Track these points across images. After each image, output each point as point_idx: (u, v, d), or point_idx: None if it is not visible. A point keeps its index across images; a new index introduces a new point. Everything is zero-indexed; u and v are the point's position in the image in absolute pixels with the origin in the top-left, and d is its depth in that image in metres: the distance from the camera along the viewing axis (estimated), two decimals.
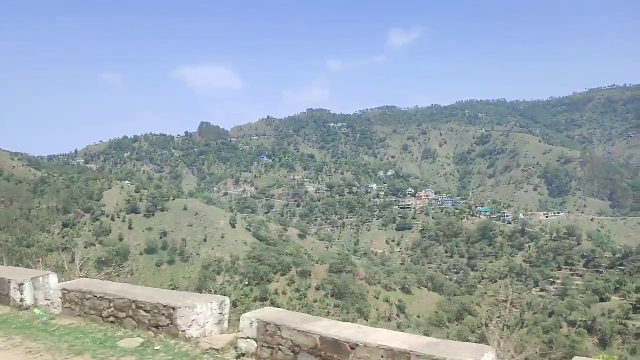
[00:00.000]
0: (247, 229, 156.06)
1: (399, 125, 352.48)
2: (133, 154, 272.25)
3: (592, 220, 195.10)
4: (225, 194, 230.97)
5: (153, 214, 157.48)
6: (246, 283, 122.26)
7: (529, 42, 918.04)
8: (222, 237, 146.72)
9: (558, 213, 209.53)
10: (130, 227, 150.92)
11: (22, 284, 10.67)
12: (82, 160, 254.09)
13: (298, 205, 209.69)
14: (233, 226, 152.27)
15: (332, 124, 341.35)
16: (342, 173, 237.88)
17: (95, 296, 9.33)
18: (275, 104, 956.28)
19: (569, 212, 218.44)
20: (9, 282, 10.78)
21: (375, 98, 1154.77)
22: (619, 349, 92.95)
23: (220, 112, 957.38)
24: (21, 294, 10.66)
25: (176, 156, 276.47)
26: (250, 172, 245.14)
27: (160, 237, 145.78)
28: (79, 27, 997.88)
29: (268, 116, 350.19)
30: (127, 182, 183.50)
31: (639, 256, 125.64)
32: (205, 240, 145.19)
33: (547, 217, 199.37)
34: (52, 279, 11.08)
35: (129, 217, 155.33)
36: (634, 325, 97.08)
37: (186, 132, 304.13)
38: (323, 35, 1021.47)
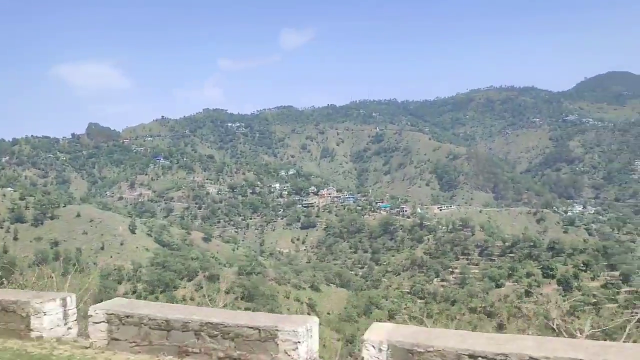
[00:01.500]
0: (148, 234, 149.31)
1: (297, 125, 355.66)
2: (13, 159, 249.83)
3: (480, 212, 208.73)
4: (120, 198, 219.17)
5: (42, 223, 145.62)
6: (151, 291, 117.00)
7: (416, 44, 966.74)
8: (122, 244, 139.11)
9: (450, 206, 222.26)
10: (15, 238, 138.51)
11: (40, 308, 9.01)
12: None
13: (200, 208, 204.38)
14: (133, 232, 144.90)
15: (230, 124, 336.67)
16: (243, 173, 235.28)
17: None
18: (169, 104, 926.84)
19: (459, 205, 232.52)
20: (25, 304, 8.96)
21: (272, 98, 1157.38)
22: (516, 330, 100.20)
23: (109, 113, 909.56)
24: (42, 322, 9.06)
25: (63, 160, 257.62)
26: (146, 174, 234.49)
27: (52, 247, 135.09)
28: None
29: (162, 116, 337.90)
30: (9, 189, 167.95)
31: (526, 244, 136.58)
32: (102, 248, 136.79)
33: (440, 210, 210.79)
34: (72, 300, 9.67)
35: (13, 227, 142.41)
36: (527, 307, 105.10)
37: (73, 134, 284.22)
38: (213, 34, 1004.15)
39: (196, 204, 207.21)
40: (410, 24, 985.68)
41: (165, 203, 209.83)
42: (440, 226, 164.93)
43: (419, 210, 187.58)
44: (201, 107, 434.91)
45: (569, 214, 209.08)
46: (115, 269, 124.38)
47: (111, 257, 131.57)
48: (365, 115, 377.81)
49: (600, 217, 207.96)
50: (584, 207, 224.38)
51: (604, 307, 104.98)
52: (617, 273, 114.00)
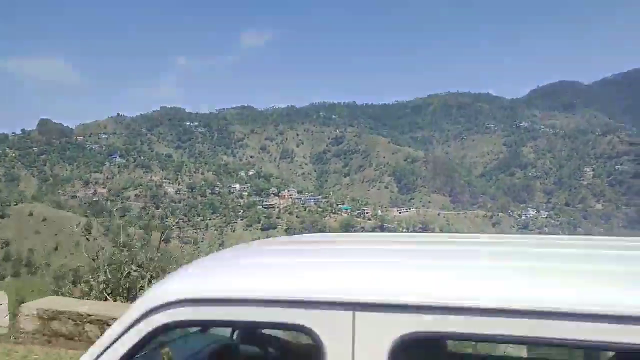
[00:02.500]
0: (104, 234, 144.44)
1: (256, 126, 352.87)
2: None
3: (438, 215, 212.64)
4: (74, 196, 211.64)
5: None
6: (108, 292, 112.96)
7: (375, 48, 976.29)
8: (77, 244, 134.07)
9: (409, 209, 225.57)
10: None
11: None
12: None
13: (157, 208, 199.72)
14: (89, 232, 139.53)
15: (188, 123, 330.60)
16: (202, 173, 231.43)
17: None
18: (124, 101, 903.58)
19: (417, 208, 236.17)
20: None
21: (231, 97, 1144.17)
22: None
23: (61, 109, 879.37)
24: None
25: (12, 157, 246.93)
26: (101, 173, 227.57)
27: (2, 247, 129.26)
28: None
29: (118, 114, 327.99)
30: None
31: None
32: (56, 248, 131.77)
33: (400, 213, 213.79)
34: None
35: None
36: None
37: (23, 130, 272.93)
38: (169, 31, 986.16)
39: (154, 203, 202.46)
40: (369, 28, 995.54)
41: (122, 202, 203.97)
42: (401, 229, 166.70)
43: (379, 212, 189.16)
44: (158, 105, 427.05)
45: (523, 217, 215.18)
46: (70, 270, 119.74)
47: (66, 257, 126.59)
48: (325, 117, 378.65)
49: (552, 221, 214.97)
50: (537, 212, 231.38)
51: None
52: None
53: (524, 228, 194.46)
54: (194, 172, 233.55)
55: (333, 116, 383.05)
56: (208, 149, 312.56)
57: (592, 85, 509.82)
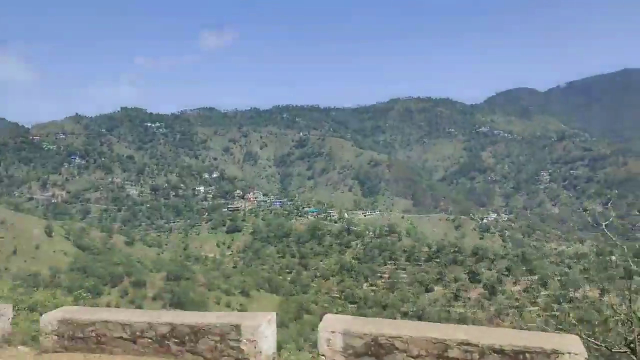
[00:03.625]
0: (66, 237, 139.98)
1: (219, 127, 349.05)
2: None
3: (402, 218, 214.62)
4: (31, 199, 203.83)
5: None
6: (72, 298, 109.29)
7: (337, 53, 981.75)
8: (37, 248, 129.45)
9: (373, 212, 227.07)
10: None
11: None
12: None
13: (119, 210, 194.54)
14: (49, 235, 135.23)
15: (149, 124, 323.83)
16: (165, 175, 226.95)
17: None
18: (82, 101, 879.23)
19: (380, 211, 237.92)
20: None
21: (193, 99, 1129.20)
22: None
23: (16, 108, 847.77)
24: None
25: None
26: (60, 174, 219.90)
27: None
28: None
29: (77, 113, 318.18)
30: None
31: (451, 250, 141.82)
32: (15, 252, 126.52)
33: (365, 215, 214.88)
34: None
35: None
36: (455, 311, 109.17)
37: None
38: (127, 31, 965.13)
39: (115, 206, 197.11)
40: (330, 33, 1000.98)
41: (82, 205, 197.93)
42: (367, 232, 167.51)
43: (346, 215, 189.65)
44: (117, 105, 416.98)
45: (485, 221, 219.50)
46: (30, 275, 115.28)
47: (25, 261, 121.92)
48: (289, 120, 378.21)
49: (513, 224, 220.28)
50: (498, 215, 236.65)
51: (526, 310, 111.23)
52: (535, 277, 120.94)
53: (486, 231, 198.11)
54: (157, 174, 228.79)
55: (297, 119, 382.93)
56: (170, 150, 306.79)
57: (547, 92, 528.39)
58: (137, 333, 7.12)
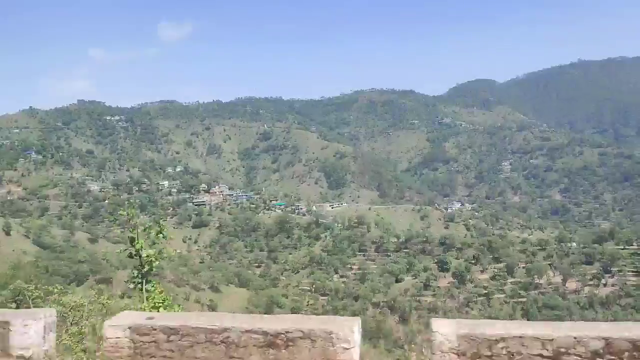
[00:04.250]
0: (25, 235, 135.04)
1: (181, 121, 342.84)
2: None
3: (370, 209, 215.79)
4: None
5: None
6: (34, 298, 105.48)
7: (301, 43, 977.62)
8: None
9: (340, 204, 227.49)
10: None
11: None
12: None
13: (80, 207, 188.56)
14: (8, 233, 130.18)
15: (108, 118, 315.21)
16: (127, 170, 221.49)
17: None
18: (36, 93, 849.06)
19: (347, 203, 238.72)
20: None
21: (154, 92, 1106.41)
22: (416, 323, 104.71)
23: None
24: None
25: None
26: (15, 170, 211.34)
27: None
28: None
29: (30, 107, 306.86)
30: None
31: (419, 240, 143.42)
32: None
33: (332, 208, 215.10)
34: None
35: None
36: (425, 300, 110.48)
37: None
38: (81, 21, 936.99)
39: (76, 202, 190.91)
40: (291, 22, 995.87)
41: (39, 201, 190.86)
42: (336, 223, 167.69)
43: (314, 208, 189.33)
44: (73, 98, 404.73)
45: (449, 210, 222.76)
46: None
47: None
48: (252, 113, 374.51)
49: (477, 213, 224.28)
50: (462, 205, 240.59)
51: (494, 297, 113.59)
52: (502, 265, 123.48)
53: (451, 221, 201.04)
54: (119, 168, 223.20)
55: (260, 111, 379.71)
56: (131, 144, 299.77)
57: (506, 83, 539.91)
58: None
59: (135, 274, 8.98)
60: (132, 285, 9.23)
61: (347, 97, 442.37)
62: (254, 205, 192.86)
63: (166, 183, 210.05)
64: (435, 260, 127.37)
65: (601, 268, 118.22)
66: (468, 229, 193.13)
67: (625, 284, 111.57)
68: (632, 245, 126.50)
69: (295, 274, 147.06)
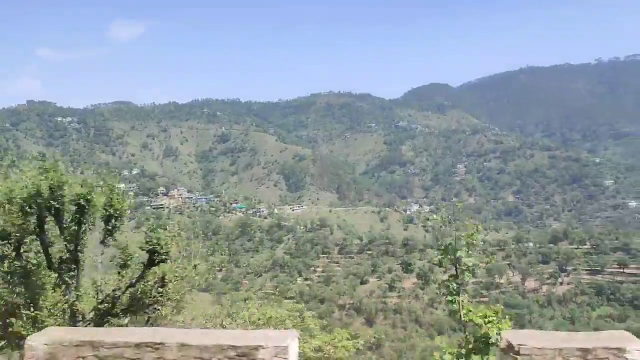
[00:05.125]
0: None
1: (137, 122, 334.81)
2: None
3: (330, 211, 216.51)
4: None
5: None
6: None
7: (257, 47, 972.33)
8: None
9: (301, 206, 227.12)
10: None
11: None
12: None
13: None
14: None
15: (59, 119, 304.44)
16: (82, 172, 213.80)
17: None
18: None
19: (306, 206, 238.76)
20: None
21: (107, 92, 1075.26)
22: (382, 324, 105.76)
23: None
24: None
25: None
26: None
27: None
28: None
29: None
30: None
31: (382, 241, 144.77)
32: None
33: (293, 210, 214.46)
34: None
35: None
36: (391, 302, 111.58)
37: None
38: (28, 20, 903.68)
39: None
40: (250, 25, 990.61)
41: None
42: (298, 226, 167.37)
43: (276, 210, 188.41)
44: (22, 99, 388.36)
45: (408, 212, 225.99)
46: None
47: None
48: (210, 114, 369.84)
49: (435, 215, 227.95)
50: (420, 207, 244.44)
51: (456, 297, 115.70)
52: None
53: (410, 223, 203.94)
54: (72, 171, 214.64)
55: (218, 113, 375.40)
56: (84, 146, 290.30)
57: (460, 88, 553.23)
58: None
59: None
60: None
61: (305, 100, 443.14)
62: (214, 208, 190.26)
63: (122, 186, 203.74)
64: (399, 262, 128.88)
65: (557, 267, 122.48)
66: (426, 231, 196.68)
67: (580, 282, 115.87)
68: (585, 244, 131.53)
69: (258, 277, 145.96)
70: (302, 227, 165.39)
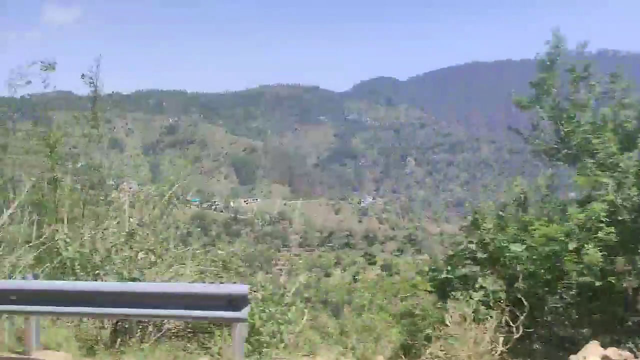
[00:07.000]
0: None
1: (77, 113, 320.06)
2: None
3: (285, 204, 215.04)
4: None
5: None
6: None
7: (203, 37, 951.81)
8: None
9: (255, 199, 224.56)
10: None
11: None
12: None
13: None
14: None
15: None
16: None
17: None
18: None
19: (259, 199, 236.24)
20: None
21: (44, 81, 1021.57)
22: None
23: None
24: None
25: None
26: None
27: None
28: None
29: None
30: None
31: (343, 234, 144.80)
32: None
33: (247, 203, 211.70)
34: None
35: None
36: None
37: None
38: None
39: None
40: (192, 12, 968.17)
41: None
42: (256, 220, 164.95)
43: (232, 204, 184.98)
44: None
45: (362, 204, 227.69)
46: None
47: None
48: (155, 105, 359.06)
49: (388, 207, 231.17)
50: (374, 199, 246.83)
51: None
52: (425, 257, 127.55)
53: (364, 215, 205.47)
54: (12, 164, 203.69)
55: (164, 104, 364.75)
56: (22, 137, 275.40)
57: (407, 81, 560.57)
58: None
59: None
60: None
61: (254, 91, 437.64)
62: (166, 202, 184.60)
63: (68, 179, 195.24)
64: (362, 254, 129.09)
65: None
66: (381, 222, 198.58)
67: None
68: None
69: None
70: (260, 221, 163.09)
